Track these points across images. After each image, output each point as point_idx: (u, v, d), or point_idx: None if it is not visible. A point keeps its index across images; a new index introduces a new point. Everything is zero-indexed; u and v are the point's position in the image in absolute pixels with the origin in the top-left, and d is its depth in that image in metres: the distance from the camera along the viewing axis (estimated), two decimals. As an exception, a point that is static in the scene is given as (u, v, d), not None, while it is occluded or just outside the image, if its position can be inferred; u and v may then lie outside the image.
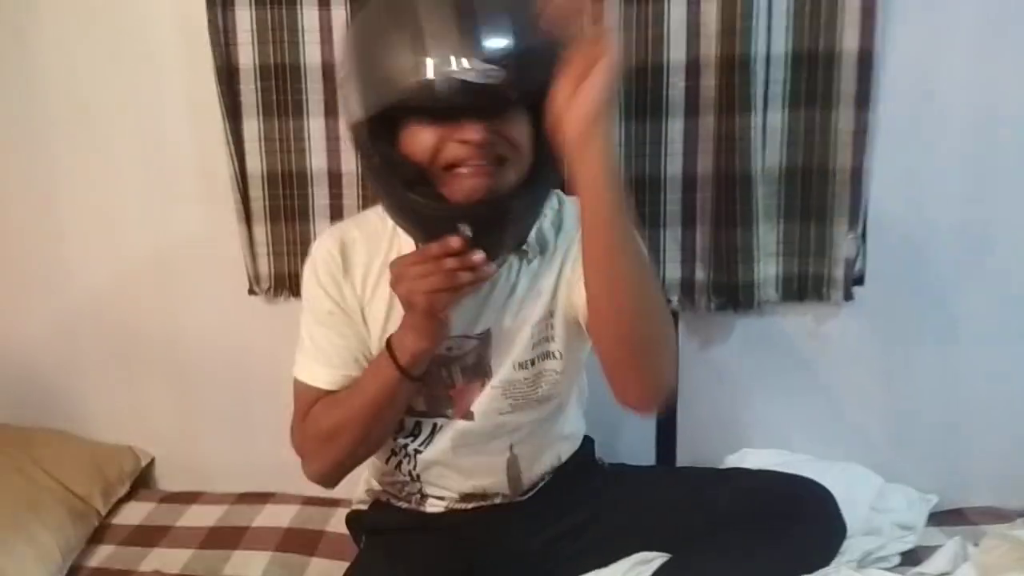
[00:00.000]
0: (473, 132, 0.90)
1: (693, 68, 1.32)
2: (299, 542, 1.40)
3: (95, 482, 1.50)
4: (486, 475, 1.16)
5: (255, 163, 1.44)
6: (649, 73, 1.33)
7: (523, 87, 0.89)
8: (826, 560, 1.14)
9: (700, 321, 1.45)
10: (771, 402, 1.48)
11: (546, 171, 0.96)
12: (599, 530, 1.18)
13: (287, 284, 1.49)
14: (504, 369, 1.09)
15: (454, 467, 1.15)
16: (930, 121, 1.35)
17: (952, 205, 1.38)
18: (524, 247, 1.06)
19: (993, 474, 1.46)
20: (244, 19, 1.39)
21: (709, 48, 1.31)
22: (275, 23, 1.39)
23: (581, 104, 0.82)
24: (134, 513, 1.51)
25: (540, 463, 1.19)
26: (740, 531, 1.10)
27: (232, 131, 1.42)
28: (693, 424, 1.49)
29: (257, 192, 1.45)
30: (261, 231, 1.46)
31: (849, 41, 1.30)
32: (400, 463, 1.17)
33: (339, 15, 1.38)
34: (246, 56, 1.40)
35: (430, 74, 0.87)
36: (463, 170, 0.92)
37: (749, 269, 1.37)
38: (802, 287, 1.41)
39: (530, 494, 1.19)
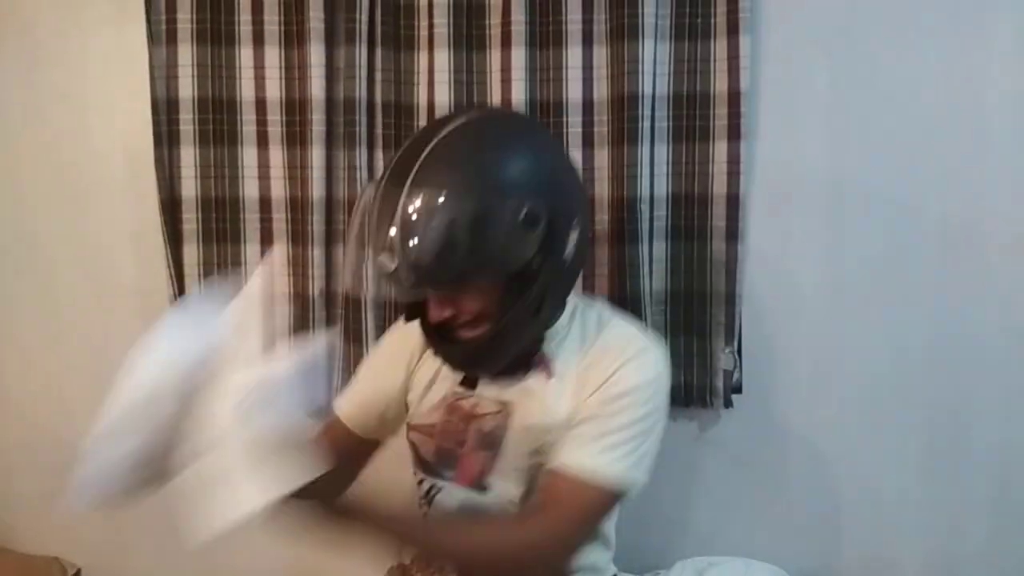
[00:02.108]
0: (431, 314, 1.09)
1: (589, 206, 1.48)
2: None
3: (21, 594, 1.53)
4: None
5: (194, 286, 1.55)
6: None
7: (432, 280, 1.05)
8: None
9: (601, 426, 1.60)
10: (664, 502, 1.60)
11: (506, 321, 1.08)
12: None
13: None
14: (515, 452, 1.15)
15: None
16: (791, 249, 1.55)
17: (812, 324, 1.56)
18: (536, 364, 1.16)
19: (864, 562, 1.61)
20: (188, 156, 1.53)
21: (603, 189, 1.50)
22: (217, 160, 1.54)
23: None
24: (59, 624, 1.55)
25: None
26: None
27: (173, 256, 1.54)
28: None
29: (195, 312, 1.56)
30: (197, 348, 1.57)
31: (719, 186, 1.49)
32: None
33: (276, 154, 1.54)
34: (188, 189, 1.54)
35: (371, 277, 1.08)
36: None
37: (642, 379, 1.54)
38: (688, 395, 1.56)
39: None
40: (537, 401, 1.16)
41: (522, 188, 1.04)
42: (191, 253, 1.55)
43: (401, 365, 1.26)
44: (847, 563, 1.61)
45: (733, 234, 1.51)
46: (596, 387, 1.12)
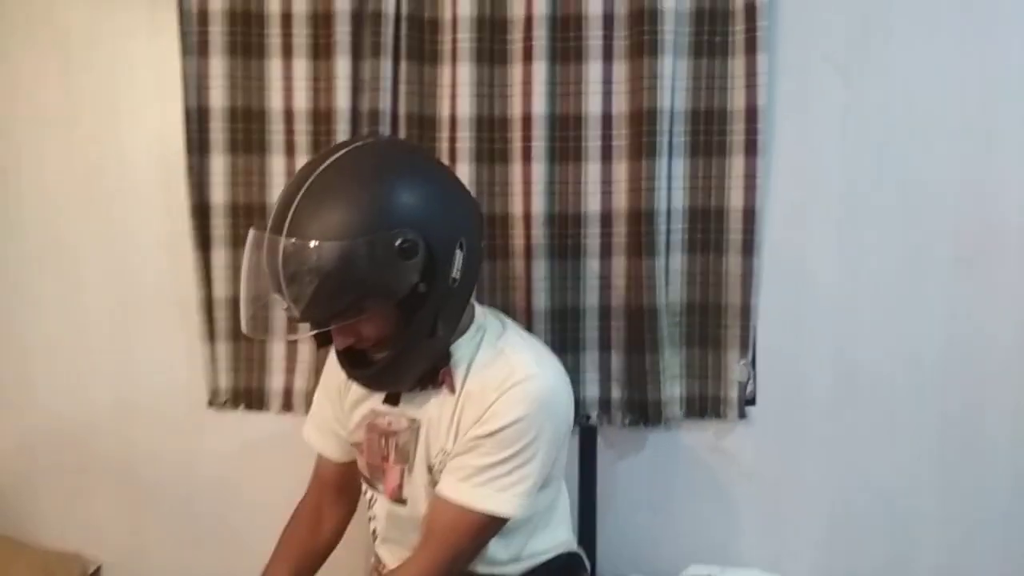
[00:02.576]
0: (336, 343, 1.17)
1: (607, 218, 1.53)
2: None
3: (45, 587, 1.56)
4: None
5: (221, 289, 1.59)
6: (569, 222, 1.53)
7: (321, 319, 1.14)
8: None
9: (616, 435, 1.61)
10: (679, 509, 1.62)
11: (403, 343, 1.15)
12: None
13: (243, 397, 1.63)
14: (422, 466, 1.24)
15: (389, 539, 1.31)
16: (806, 264, 1.57)
17: (828, 334, 1.58)
18: (443, 380, 1.22)
19: (879, 572, 1.62)
20: (219, 164, 1.57)
21: (620, 202, 1.53)
22: (246, 168, 1.57)
23: None
24: (81, 618, 1.57)
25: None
26: None
27: (202, 261, 1.58)
28: (610, 531, 1.62)
29: (222, 314, 1.59)
30: (223, 349, 1.61)
31: (735, 199, 1.52)
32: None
33: (303, 162, 1.57)
34: (218, 195, 1.58)
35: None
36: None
37: (657, 389, 1.54)
38: (702, 406, 1.58)
39: None
40: (439, 417, 1.22)
41: (396, 220, 1.08)
42: (220, 257, 1.58)
43: (334, 391, 1.36)
44: (861, 574, 1.61)
45: (749, 247, 1.53)
46: (475, 419, 1.17)
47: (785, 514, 1.63)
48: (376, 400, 1.29)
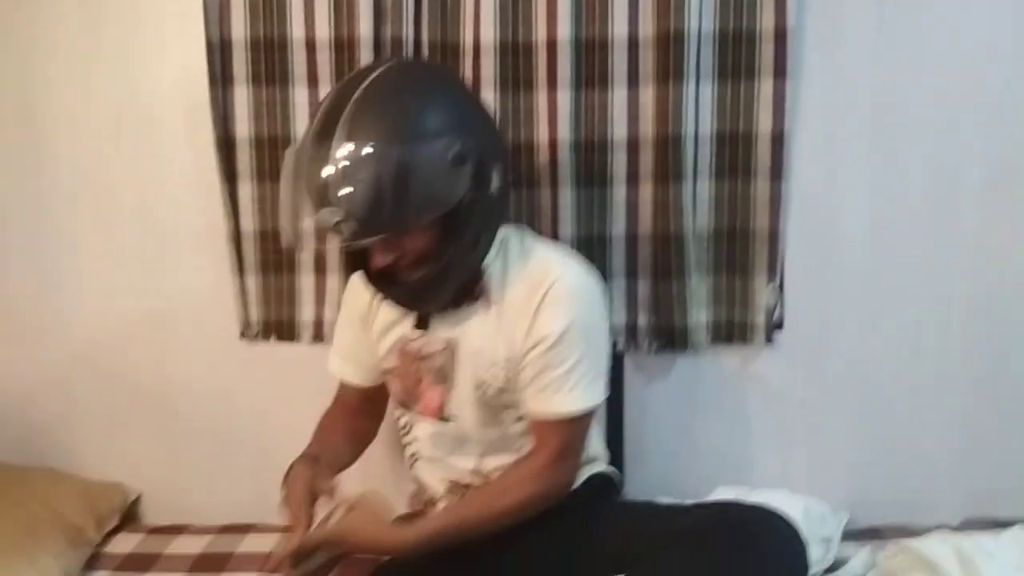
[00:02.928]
0: (374, 261, 1.18)
1: (633, 144, 1.52)
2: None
3: (88, 514, 1.60)
4: (457, 473, 1.32)
5: (249, 222, 1.60)
6: (596, 149, 1.52)
7: (376, 228, 1.12)
8: None
9: (643, 361, 1.62)
10: (706, 433, 1.64)
11: (448, 257, 1.17)
12: (571, 558, 1.26)
13: (274, 329, 1.65)
14: (467, 384, 1.26)
15: (432, 460, 1.33)
16: (835, 189, 1.56)
17: (856, 260, 1.58)
18: (479, 294, 1.25)
19: (904, 494, 1.64)
20: (242, 96, 1.57)
21: (647, 128, 1.51)
22: (269, 100, 1.57)
23: None
24: (124, 543, 1.62)
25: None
26: (698, 549, 1.11)
27: (229, 194, 1.59)
28: (638, 455, 1.63)
29: (250, 247, 1.61)
30: (253, 282, 1.63)
31: (764, 123, 1.50)
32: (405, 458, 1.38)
33: (326, 92, 1.56)
34: (242, 129, 1.57)
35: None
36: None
37: (684, 315, 1.55)
38: (729, 332, 1.59)
39: None
40: (479, 333, 1.25)
41: (448, 130, 1.11)
42: (246, 190, 1.59)
43: (358, 318, 1.36)
44: (886, 496, 1.64)
45: (777, 172, 1.52)
46: (525, 330, 1.22)
47: (811, 438, 1.65)
48: (406, 326, 1.30)
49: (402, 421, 1.38)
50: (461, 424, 1.29)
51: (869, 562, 1.45)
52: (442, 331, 1.27)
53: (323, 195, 1.08)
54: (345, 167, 1.07)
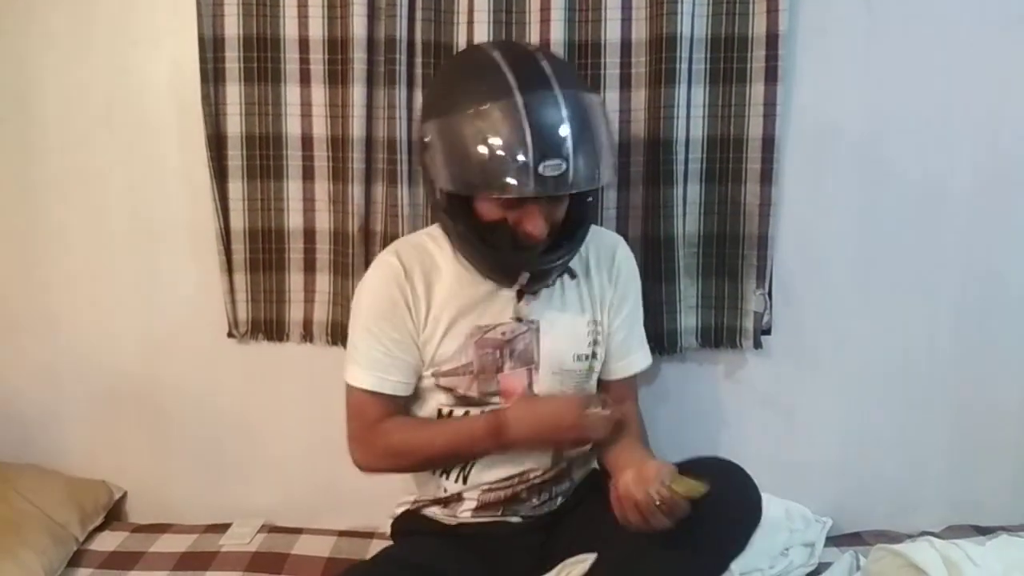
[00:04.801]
0: (535, 228, 1.15)
1: (624, 148, 1.52)
2: (266, 563, 1.52)
3: (72, 511, 1.59)
4: (533, 459, 1.28)
5: (238, 220, 1.59)
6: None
7: (586, 185, 1.14)
8: (741, 535, 1.16)
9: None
10: (692, 437, 1.62)
11: (583, 234, 1.23)
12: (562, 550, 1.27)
13: (262, 328, 1.64)
14: (554, 358, 1.26)
15: (496, 459, 1.27)
16: (824, 195, 1.57)
17: (845, 266, 1.59)
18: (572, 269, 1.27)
19: (887, 500, 1.65)
20: (233, 93, 1.56)
21: (638, 132, 1.52)
22: (261, 98, 1.56)
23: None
24: (108, 541, 1.60)
25: (579, 457, 1.34)
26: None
27: (219, 192, 1.58)
28: None
29: (239, 245, 1.60)
30: (241, 280, 1.61)
31: (755, 128, 1.51)
32: (449, 472, 1.30)
33: (318, 92, 1.56)
34: (234, 126, 1.57)
35: (530, 180, 1.09)
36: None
37: (673, 319, 1.55)
38: (717, 336, 1.60)
39: (547, 506, 1.32)
40: (560, 307, 1.28)
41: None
42: (236, 188, 1.58)
43: (400, 321, 1.24)
44: (870, 502, 1.65)
45: (767, 177, 1.52)
46: (610, 280, 1.32)
47: (798, 443, 1.65)
48: (479, 315, 1.24)
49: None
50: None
51: (851, 567, 1.46)
52: (523, 312, 1.26)
53: (560, 137, 1.09)
54: (578, 110, 1.11)
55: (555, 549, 1.28)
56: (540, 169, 1.08)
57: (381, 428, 1.26)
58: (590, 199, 1.22)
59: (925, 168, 1.55)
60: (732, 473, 1.18)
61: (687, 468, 1.11)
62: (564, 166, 1.09)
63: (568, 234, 1.22)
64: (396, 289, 1.24)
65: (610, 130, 1.19)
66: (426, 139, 1.18)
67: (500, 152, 1.09)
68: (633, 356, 1.38)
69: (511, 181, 1.09)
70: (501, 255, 1.19)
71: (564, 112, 1.10)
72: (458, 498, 1.31)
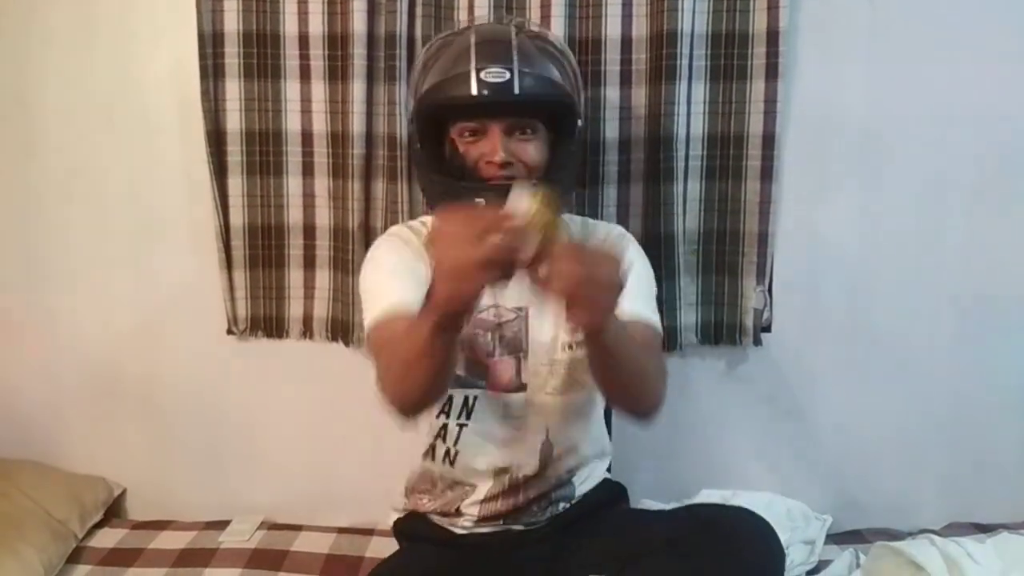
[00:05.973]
0: (491, 147, 1.16)
1: (625, 145, 1.52)
2: (266, 560, 1.52)
3: (72, 508, 1.59)
4: (521, 451, 1.25)
5: (238, 216, 1.59)
6: (587, 148, 1.51)
7: (532, 93, 1.15)
8: None
9: (631, 362, 1.63)
10: (692, 434, 1.64)
11: (555, 172, 1.19)
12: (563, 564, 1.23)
13: (262, 325, 1.64)
14: (543, 347, 1.23)
15: (492, 439, 1.25)
16: (825, 192, 1.56)
17: (845, 263, 1.58)
18: None
19: (887, 498, 1.64)
20: (233, 89, 1.56)
21: (638, 128, 1.51)
22: (261, 94, 1.56)
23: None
24: (108, 538, 1.61)
25: (570, 457, 1.29)
26: (679, 557, 1.10)
27: (218, 188, 1.58)
28: (624, 456, 1.61)
29: (239, 242, 1.60)
30: (240, 277, 1.61)
31: (755, 125, 1.51)
32: (435, 450, 1.27)
33: (318, 88, 1.56)
34: (233, 122, 1.57)
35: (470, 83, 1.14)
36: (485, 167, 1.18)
37: (673, 316, 1.55)
38: (717, 333, 1.59)
39: (550, 511, 1.28)
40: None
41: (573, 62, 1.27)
42: (236, 184, 1.58)
43: (416, 254, 1.23)
44: (869, 500, 1.65)
45: (768, 174, 1.52)
46: None
47: (798, 440, 1.65)
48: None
49: (458, 400, 1.25)
50: (535, 392, 1.24)
51: (852, 564, 1.46)
52: (510, 300, 1.23)
53: (497, 52, 1.15)
54: (526, 37, 1.19)
55: (566, 565, 1.23)
56: (482, 75, 1.13)
57: (387, 350, 1.15)
58: (573, 148, 1.23)
59: (926, 165, 1.55)
60: (756, 531, 1.16)
61: (715, 520, 1.16)
62: (507, 75, 1.13)
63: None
64: (405, 245, 1.27)
65: (572, 64, 1.24)
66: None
67: (447, 64, 1.18)
68: (635, 304, 1.16)
69: (455, 87, 1.16)
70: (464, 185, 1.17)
71: (514, 38, 1.17)
72: (457, 512, 1.29)
